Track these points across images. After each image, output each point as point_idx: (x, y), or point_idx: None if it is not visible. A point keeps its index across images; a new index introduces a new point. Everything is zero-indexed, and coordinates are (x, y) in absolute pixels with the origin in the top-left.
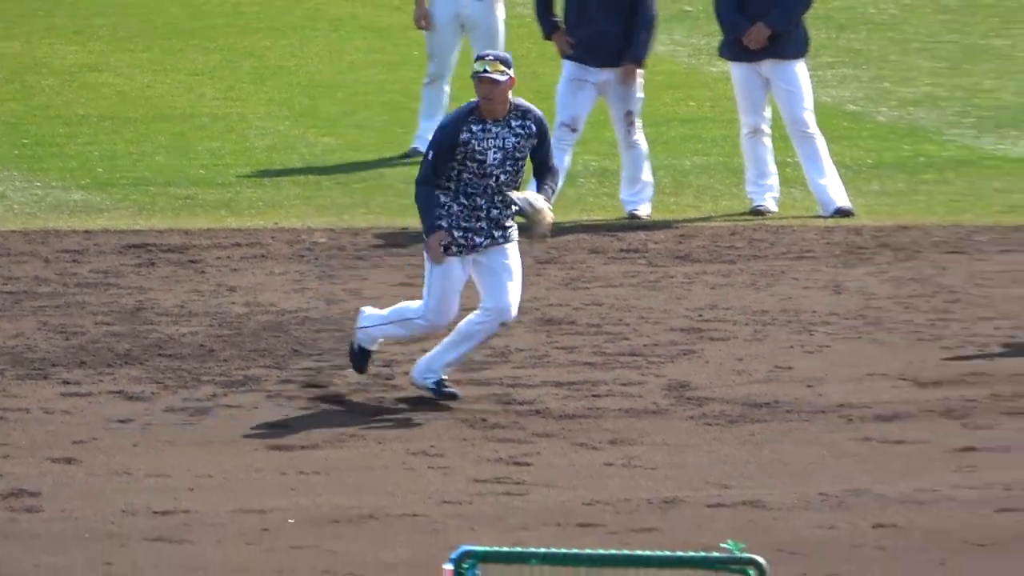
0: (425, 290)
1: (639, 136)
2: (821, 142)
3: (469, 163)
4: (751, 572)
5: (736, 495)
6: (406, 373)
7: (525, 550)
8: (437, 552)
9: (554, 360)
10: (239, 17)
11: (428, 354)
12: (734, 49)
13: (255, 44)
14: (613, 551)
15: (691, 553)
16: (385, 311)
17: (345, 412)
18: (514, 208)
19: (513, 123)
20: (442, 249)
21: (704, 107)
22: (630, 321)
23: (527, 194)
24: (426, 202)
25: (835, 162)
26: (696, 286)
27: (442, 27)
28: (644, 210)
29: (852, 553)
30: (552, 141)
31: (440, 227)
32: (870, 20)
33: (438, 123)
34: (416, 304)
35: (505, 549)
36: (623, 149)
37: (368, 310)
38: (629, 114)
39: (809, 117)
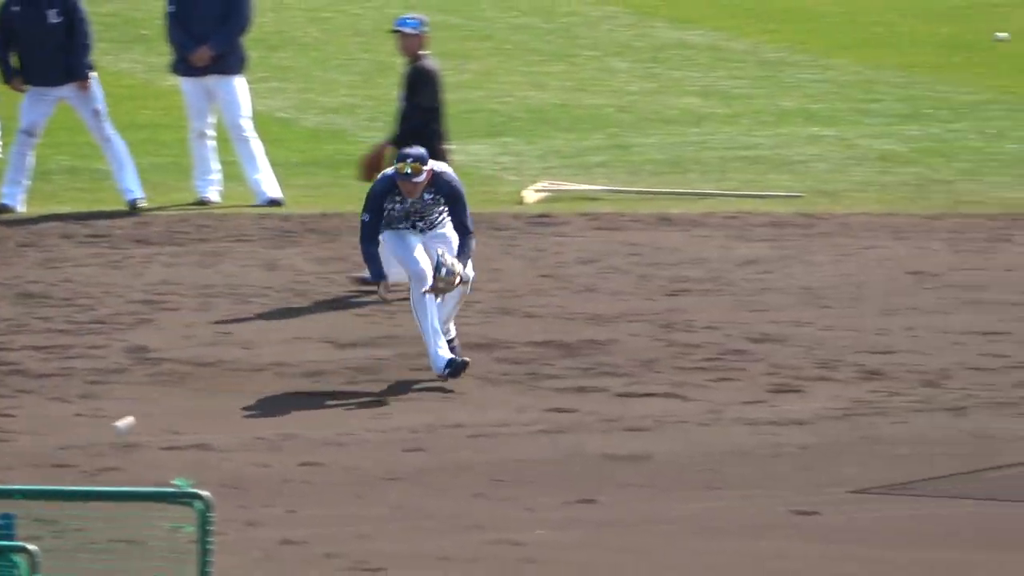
0: (397, 261)
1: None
2: (257, 143)
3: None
4: (198, 504)
5: (187, 439)
6: None
7: (11, 487)
8: None
9: (33, 327)
10: None
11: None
12: (183, 66)
13: None
14: (83, 487)
15: (146, 488)
16: (421, 324)
17: None
18: (438, 268)
19: (426, 196)
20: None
21: (158, 114)
22: (97, 295)
23: (449, 262)
24: (369, 256)
25: (269, 161)
26: (153, 265)
27: None
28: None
29: (284, 487)
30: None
31: (381, 275)
32: (297, 41)
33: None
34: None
35: None
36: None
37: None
38: (96, 113)
39: (247, 123)
